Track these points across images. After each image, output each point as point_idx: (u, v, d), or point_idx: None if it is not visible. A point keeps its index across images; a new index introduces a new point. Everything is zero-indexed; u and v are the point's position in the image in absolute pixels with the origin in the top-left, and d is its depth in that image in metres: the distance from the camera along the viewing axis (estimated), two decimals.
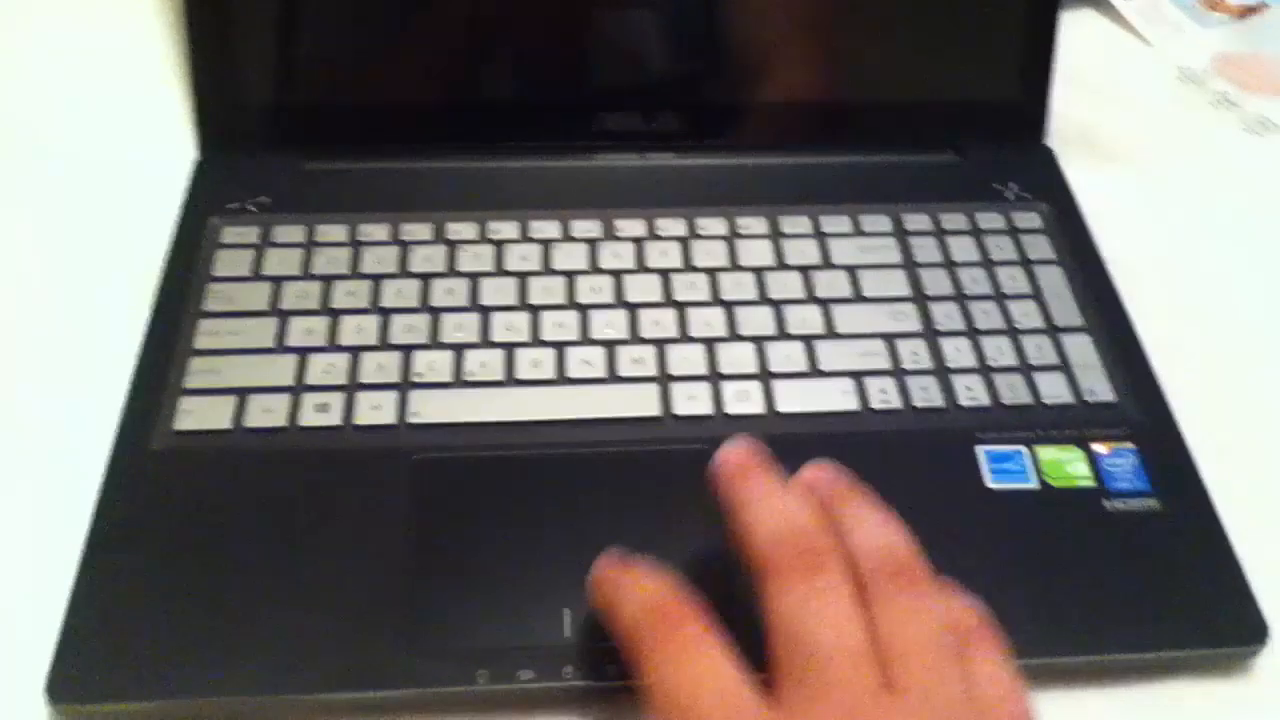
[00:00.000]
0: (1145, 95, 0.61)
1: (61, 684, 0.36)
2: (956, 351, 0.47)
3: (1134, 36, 0.65)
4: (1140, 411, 0.46)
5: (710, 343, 0.47)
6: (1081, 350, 0.48)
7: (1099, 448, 0.45)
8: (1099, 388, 0.46)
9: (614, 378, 0.45)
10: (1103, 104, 0.59)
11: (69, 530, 0.40)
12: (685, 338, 0.47)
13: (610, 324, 0.47)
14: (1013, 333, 0.48)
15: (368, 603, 0.38)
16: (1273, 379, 0.49)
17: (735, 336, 0.47)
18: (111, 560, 0.39)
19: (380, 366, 0.45)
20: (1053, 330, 0.48)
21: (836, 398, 0.45)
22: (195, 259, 0.48)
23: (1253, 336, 0.51)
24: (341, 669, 0.37)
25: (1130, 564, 0.41)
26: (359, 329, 0.46)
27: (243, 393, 0.44)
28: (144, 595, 0.38)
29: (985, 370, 0.47)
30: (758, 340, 0.47)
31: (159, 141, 0.54)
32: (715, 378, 0.46)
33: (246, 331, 0.46)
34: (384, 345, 0.46)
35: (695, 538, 0.39)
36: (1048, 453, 0.44)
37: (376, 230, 0.50)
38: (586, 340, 0.46)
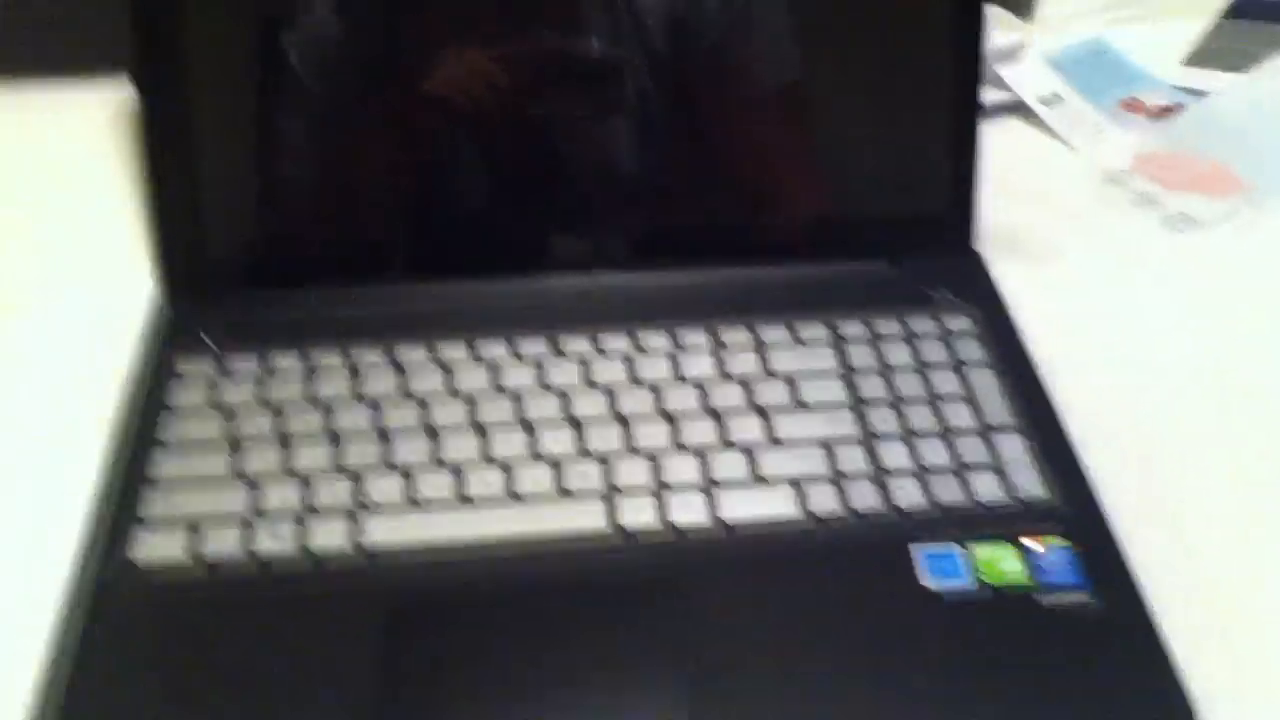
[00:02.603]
0: (1069, 197, 0.64)
1: None
2: (892, 454, 0.49)
3: (1057, 141, 0.68)
4: (1071, 507, 0.47)
5: (654, 455, 0.48)
6: (1013, 448, 0.49)
7: (1032, 544, 0.46)
8: (1030, 485, 0.48)
9: (562, 493, 0.47)
10: (1028, 208, 0.61)
11: (21, 666, 0.41)
12: (630, 450, 0.48)
13: (558, 441, 0.49)
14: (946, 434, 0.50)
15: None
16: (1199, 468, 0.51)
17: (679, 447, 0.49)
18: (71, 704, 0.39)
19: (332, 492, 0.46)
20: (985, 430, 0.50)
21: (779, 504, 0.47)
22: (152, 390, 0.50)
23: (1178, 427, 0.52)
24: None
25: (1066, 659, 0.42)
26: (312, 456, 0.47)
27: (197, 522, 0.45)
28: None
29: (920, 472, 0.48)
30: (700, 451, 0.49)
31: (119, 280, 0.56)
32: (660, 488, 0.47)
33: (201, 461, 0.47)
34: (337, 470, 0.47)
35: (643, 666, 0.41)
36: (983, 551, 0.46)
37: (327, 357, 0.51)
38: (535, 456, 0.48)
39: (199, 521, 0.45)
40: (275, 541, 0.44)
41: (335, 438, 0.48)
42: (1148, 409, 0.53)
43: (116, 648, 0.41)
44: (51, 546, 0.44)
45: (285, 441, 0.48)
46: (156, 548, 0.44)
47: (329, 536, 0.45)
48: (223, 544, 0.44)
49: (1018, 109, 0.68)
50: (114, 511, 0.45)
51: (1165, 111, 0.69)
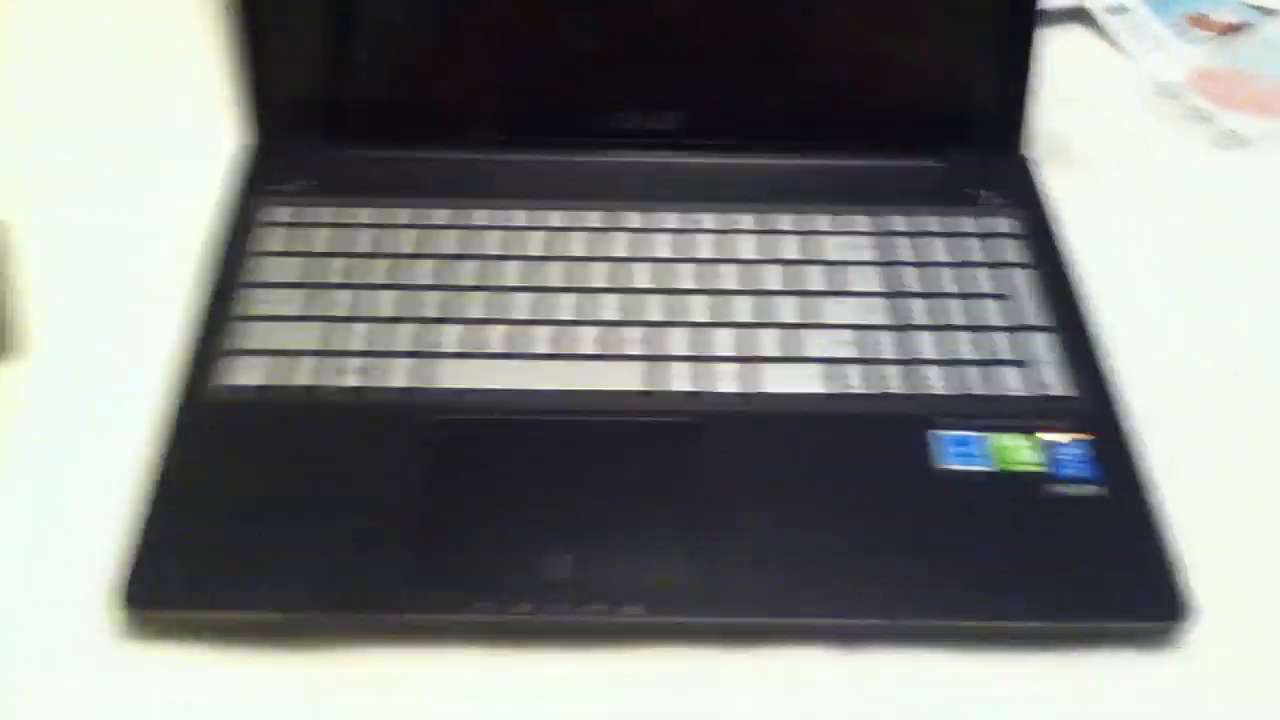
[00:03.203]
0: (1123, 108, 0.65)
1: (135, 593, 0.42)
2: (923, 345, 0.51)
3: (1117, 51, 0.68)
4: (1095, 406, 0.50)
5: (697, 327, 0.51)
6: (1043, 348, 0.52)
7: (1051, 437, 0.49)
8: (1055, 382, 0.51)
9: (608, 355, 0.50)
10: (1080, 115, 0.63)
11: (125, 464, 0.46)
12: (675, 322, 0.52)
13: (609, 307, 0.52)
14: (978, 329, 0.52)
15: (385, 538, 0.44)
16: (1225, 384, 0.53)
17: (720, 323, 0.52)
18: (170, 490, 0.45)
19: (398, 337, 0.50)
20: (1018, 329, 0.52)
21: (809, 381, 0.50)
22: (238, 235, 0.54)
23: (1208, 342, 0.54)
24: (357, 594, 0.42)
25: (1068, 542, 0.45)
26: (380, 303, 0.51)
27: (277, 354, 0.49)
28: (197, 521, 0.44)
29: (949, 362, 0.51)
30: (741, 327, 0.52)
31: (212, 127, 0.59)
32: (699, 359, 0.50)
33: (281, 302, 0.51)
34: (402, 318, 0.51)
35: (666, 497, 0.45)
36: (1003, 439, 0.48)
37: (400, 214, 0.55)
38: (586, 321, 0.51)
39: (278, 354, 0.49)
40: (343, 376, 0.49)
41: (403, 288, 0.52)
42: (1179, 320, 0.55)
43: (212, 456, 0.46)
44: (144, 377, 0.49)
45: (357, 288, 0.52)
46: (240, 374, 0.48)
47: (391, 376, 0.49)
48: (297, 375, 0.48)
49: (1082, 16, 0.69)
50: (203, 343, 0.50)
51: (1232, 29, 0.69)
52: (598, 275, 0.53)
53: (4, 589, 0.44)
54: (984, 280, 0.54)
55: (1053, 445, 0.48)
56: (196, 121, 0.60)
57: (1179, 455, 0.49)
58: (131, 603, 0.42)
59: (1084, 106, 0.63)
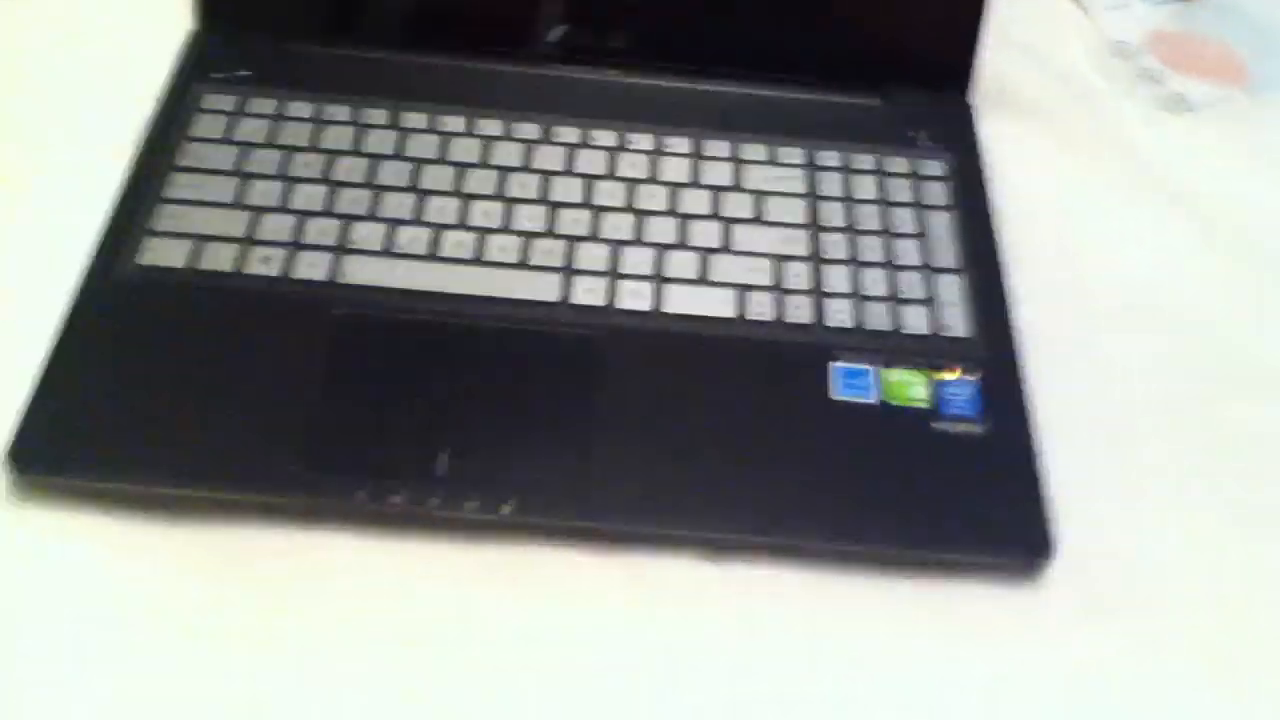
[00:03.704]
0: (1073, 63, 0.65)
1: (20, 456, 0.44)
2: (835, 278, 0.53)
3: (1076, 5, 0.68)
4: (990, 349, 0.51)
5: (616, 244, 0.53)
6: (950, 289, 0.53)
7: (942, 375, 0.50)
8: (956, 324, 0.52)
9: (525, 265, 0.52)
10: (1029, 67, 0.63)
11: (39, 332, 0.47)
12: (595, 238, 0.53)
13: (530, 218, 0.53)
14: (891, 267, 0.54)
15: (277, 423, 0.45)
16: (1126, 341, 0.54)
17: (640, 242, 0.53)
18: (73, 361, 0.46)
19: (322, 231, 0.51)
20: (928, 269, 0.54)
21: (718, 305, 0.51)
22: (177, 120, 0.55)
23: (1116, 299, 0.56)
24: (245, 473, 0.44)
25: (943, 476, 0.47)
26: (308, 197, 0.53)
27: (199, 239, 0.51)
28: (95, 393, 0.46)
29: (857, 297, 0.52)
30: (659, 247, 0.53)
31: (163, 10, 0.60)
32: (614, 275, 0.52)
33: (211, 187, 0.53)
34: (328, 213, 0.52)
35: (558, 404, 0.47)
36: (894, 374, 0.50)
37: (338, 111, 0.56)
38: (506, 229, 0.53)
39: (201, 238, 0.51)
40: (263, 265, 0.50)
41: (332, 184, 0.53)
42: (1093, 275, 0.56)
43: (119, 329, 0.48)
44: (72, 243, 0.50)
45: (288, 180, 0.53)
46: (160, 255, 0.50)
47: (311, 268, 0.50)
48: (218, 260, 0.50)
49: None
50: (128, 221, 0.51)
51: None
52: (525, 186, 0.54)
53: None
54: (905, 220, 0.55)
55: (942, 383, 0.50)
56: (149, 2, 0.61)
57: (1069, 401, 0.50)
58: (15, 465, 0.43)
59: (1034, 58, 0.64)
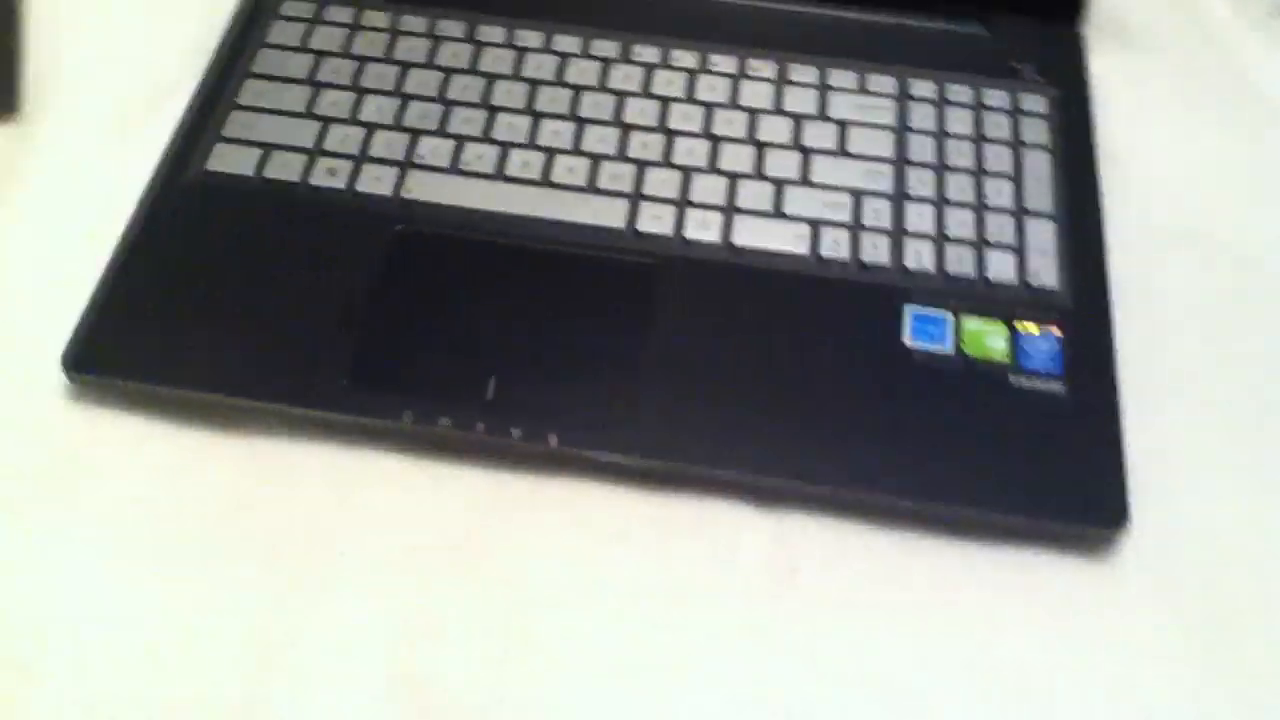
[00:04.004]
0: None
1: (74, 357, 0.44)
2: (918, 217, 0.50)
3: None
4: (1079, 303, 0.48)
5: (688, 171, 0.51)
6: (1041, 235, 0.50)
7: (1024, 327, 0.47)
8: (1045, 273, 0.49)
9: (591, 188, 0.50)
10: None
11: (108, 235, 0.47)
12: (666, 163, 0.51)
13: (602, 139, 0.51)
14: (980, 208, 0.50)
15: (328, 338, 0.45)
16: (1232, 309, 0.50)
17: (713, 169, 0.51)
18: (134, 265, 0.47)
19: (389, 144, 0.51)
20: (1020, 212, 0.50)
21: (789, 240, 0.49)
22: (256, 25, 0.55)
23: (1227, 260, 0.51)
24: (294, 387, 0.44)
25: (1015, 435, 0.45)
26: (378, 108, 0.52)
27: (268, 147, 0.50)
28: (151, 297, 0.46)
29: (940, 239, 0.49)
30: (733, 176, 0.51)
31: None
32: (683, 204, 0.50)
33: (283, 95, 0.52)
34: (396, 126, 0.51)
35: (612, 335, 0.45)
36: (972, 323, 0.47)
37: (415, 23, 0.55)
38: (576, 151, 0.51)
39: (270, 146, 0.50)
40: (329, 177, 0.49)
41: (403, 96, 0.52)
42: (1201, 229, 0.52)
43: (180, 234, 0.48)
44: (140, 154, 0.50)
45: (359, 91, 0.52)
46: (229, 161, 0.50)
47: (375, 183, 0.49)
48: (284, 169, 0.50)
49: None
50: (201, 126, 0.51)
51: None
52: (600, 107, 0.52)
53: None
54: (1000, 158, 0.52)
55: (1022, 336, 0.47)
56: None
57: (1159, 364, 0.47)
58: (70, 366, 0.44)
59: None
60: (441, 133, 0.51)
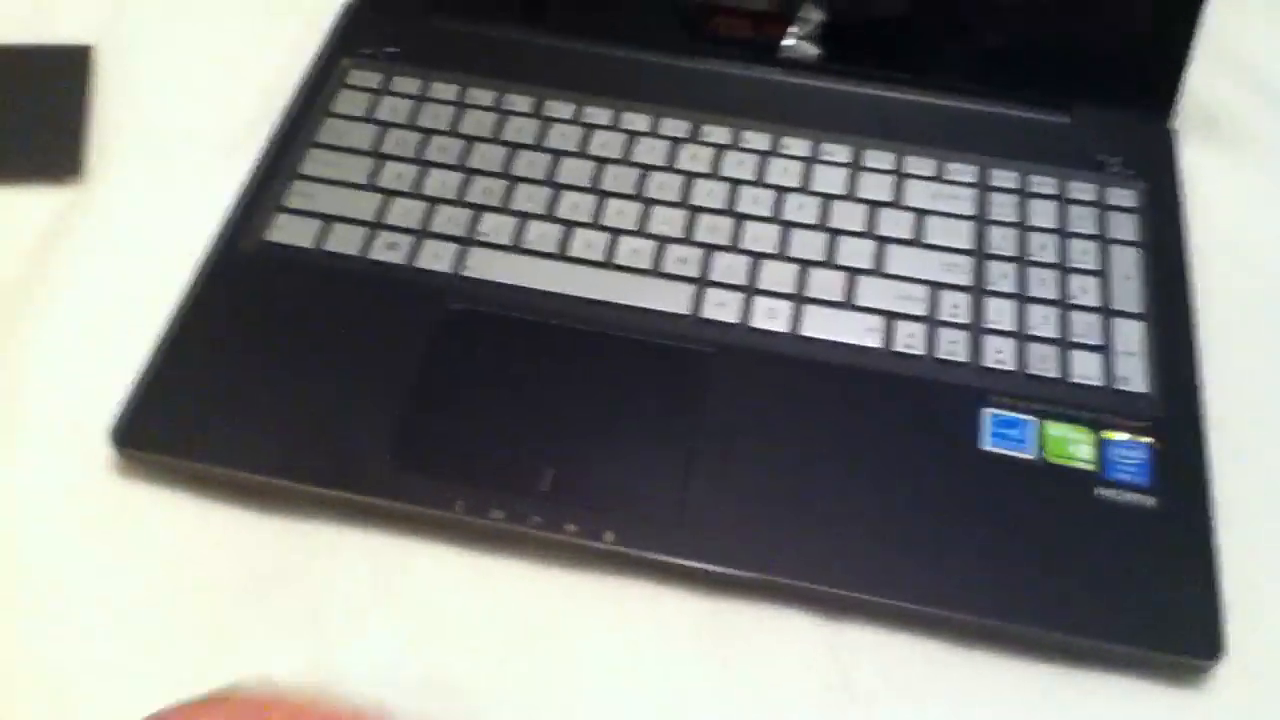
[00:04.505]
0: None
1: (124, 432, 0.43)
2: (998, 313, 0.48)
3: None
4: (1169, 409, 0.45)
5: (756, 256, 0.49)
6: (1129, 337, 0.47)
7: (1111, 434, 0.44)
8: (1133, 376, 0.46)
9: (656, 271, 0.48)
10: (1247, 88, 0.56)
11: (165, 304, 0.47)
12: (734, 248, 0.49)
13: (668, 221, 0.50)
14: (1064, 306, 0.48)
15: (379, 418, 0.43)
16: None
17: (783, 256, 0.49)
18: (187, 338, 0.46)
19: (450, 219, 0.49)
20: (1107, 312, 0.48)
21: (860, 332, 0.47)
22: (321, 94, 0.54)
23: None
24: (341, 469, 0.42)
25: (1102, 552, 0.42)
26: (442, 182, 0.51)
27: (329, 219, 0.49)
28: (204, 371, 0.45)
29: (1021, 337, 0.47)
30: (803, 263, 0.49)
31: None
32: (750, 290, 0.48)
33: (346, 166, 0.51)
34: (459, 201, 0.50)
35: (674, 428, 0.43)
36: (1054, 428, 0.45)
37: (482, 95, 0.54)
38: (642, 232, 0.49)
39: (331, 218, 0.49)
40: (388, 251, 0.48)
41: (468, 171, 0.51)
42: None
43: (235, 307, 0.47)
44: (200, 222, 0.49)
45: (423, 164, 0.51)
46: (289, 233, 0.49)
47: (434, 258, 0.48)
48: (344, 242, 0.49)
49: None
50: (263, 195, 0.50)
51: None
52: (665, 187, 0.51)
53: (30, 406, 0.45)
54: (1086, 254, 0.50)
55: (1110, 444, 0.44)
56: None
57: (1253, 478, 0.44)
58: (118, 441, 0.43)
59: (1253, 78, 0.56)
60: (505, 209, 0.50)
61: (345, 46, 0.56)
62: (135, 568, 0.42)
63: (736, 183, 0.51)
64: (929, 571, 0.41)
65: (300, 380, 0.45)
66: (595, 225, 0.49)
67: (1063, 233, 0.50)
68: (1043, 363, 0.46)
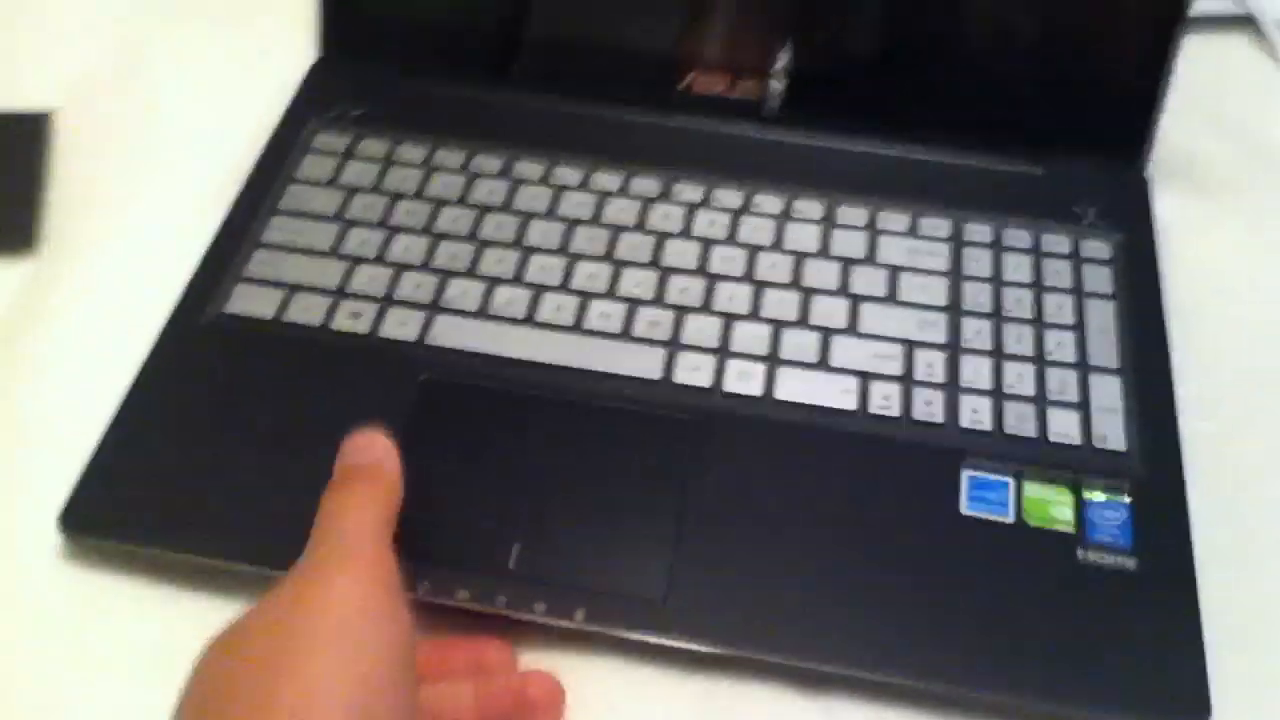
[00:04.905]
0: (1271, 136, 0.57)
1: (73, 516, 0.42)
2: (974, 371, 0.47)
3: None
4: (1149, 467, 0.45)
5: (729, 318, 0.48)
6: (1107, 393, 0.46)
7: (1091, 495, 0.44)
8: (1112, 434, 0.45)
9: (627, 335, 0.47)
10: (1219, 138, 0.56)
11: (114, 379, 0.45)
12: (706, 309, 0.48)
13: (639, 283, 0.49)
14: (1040, 362, 0.47)
15: None
16: None
17: (755, 316, 0.48)
18: (140, 416, 0.44)
19: (417, 285, 0.48)
20: (1084, 367, 0.47)
21: (836, 394, 0.46)
22: (286, 158, 0.53)
23: None
24: (298, 553, 0.40)
25: (1084, 616, 0.41)
26: (407, 248, 0.50)
27: (291, 288, 0.48)
28: (159, 450, 0.43)
29: (998, 395, 0.46)
30: (776, 324, 0.48)
31: (288, 41, 0.58)
32: (723, 353, 0.47)
33: (310, 233, 0.50)
34: (425, 267, 0.49)
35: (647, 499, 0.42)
36: (1034, 489, 0.44)
37: (451, 157, 0.53)
38: (612, 295, 0.49)
39: (293, 288, 0.48)
40: (352, 320, 0.47)
41: (435, 235, 0.50)
42: (1270, 384, 0.49)
43: (192, 381, 0.46)
44: (158, 292, 0.48)
45: (389, 229, 0.50)
46: (249, 304, 0.48)
47: (400, 327, 0.47)
48: (306, 312, 0.47)
49: (1246, 25, 0.61)
50: (223, 264, 0.49)
51: None
52: (638, 248, 0.50)
53: None
54: (1062, 308, 0.49)
55: (1089, 504, 0.43)
56: (274, 32, 0.59)
57: (1234, 537, 0.43)
58: (66, 526, 0.42)
59: (1224, 127, 0.56)
60: (472, 274, 0.49)
61: (311, 109, 0.55)
62: (85, 657, 0.40)
63: (708, 242, 0.50)
64: (915, 643, 0.40)
65: (260, 459, 0.43)
66: (565, 289, 0.49)
67: (1038, 287, 0.50)
68: (1020, 422, 0.45)
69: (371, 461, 0.38)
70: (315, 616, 0.33)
